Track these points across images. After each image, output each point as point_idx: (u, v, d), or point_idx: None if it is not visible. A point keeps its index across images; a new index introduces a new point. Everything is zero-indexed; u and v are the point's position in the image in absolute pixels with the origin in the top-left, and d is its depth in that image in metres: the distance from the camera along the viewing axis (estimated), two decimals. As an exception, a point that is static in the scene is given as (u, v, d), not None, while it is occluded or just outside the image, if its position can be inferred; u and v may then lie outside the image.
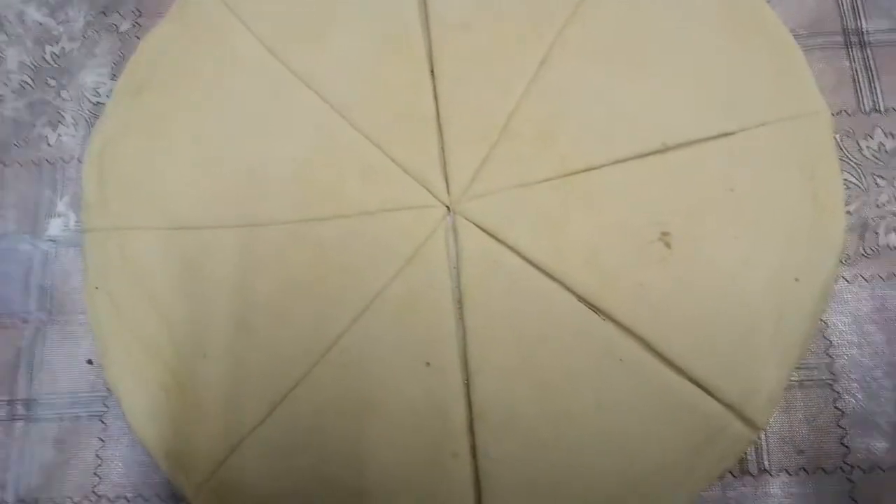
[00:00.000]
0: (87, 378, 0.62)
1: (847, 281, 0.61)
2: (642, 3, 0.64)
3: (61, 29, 0.73)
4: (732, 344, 0.55)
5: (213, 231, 0.61)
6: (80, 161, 0.68)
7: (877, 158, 0.64)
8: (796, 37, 0.63)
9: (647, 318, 0.56)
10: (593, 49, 0.63)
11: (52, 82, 0.71)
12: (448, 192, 0.61)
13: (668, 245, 0.57)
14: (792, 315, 0.56)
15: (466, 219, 0.60)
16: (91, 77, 0.71)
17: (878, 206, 0.62)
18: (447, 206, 0.61)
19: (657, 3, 0.64)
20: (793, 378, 0.58)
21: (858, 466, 0.57)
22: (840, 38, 0.67)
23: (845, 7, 0.68)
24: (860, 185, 0.63)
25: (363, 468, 0.54)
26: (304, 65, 0.65)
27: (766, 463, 0.57)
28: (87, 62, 0.72)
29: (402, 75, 0.64)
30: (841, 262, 0.60)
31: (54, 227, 0.67)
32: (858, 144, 0.64)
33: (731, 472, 0.57)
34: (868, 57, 0.66)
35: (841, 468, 0.57)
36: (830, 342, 0.59)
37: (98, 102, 0.70)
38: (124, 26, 0.72)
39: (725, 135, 0.60)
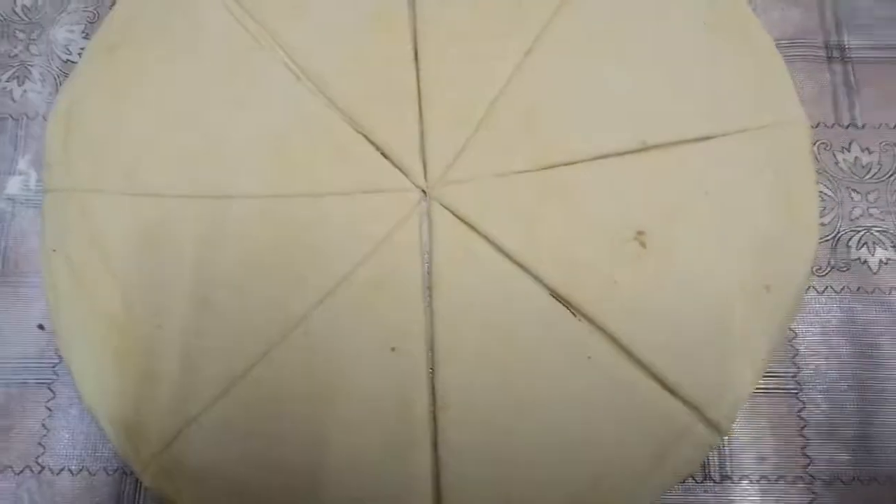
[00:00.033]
0: (37, 344, 0.61)
1: (817, 292, 0.61)
2: (631, 1, 0.64)
3: (33, -19, 0.71)
4: (701, 347, 0.55)
5: (178, 200, 0.59)
6: (44, 119, 0.66)
7: (852, 172, 0.64)
8: (779, 47, 0.64)
9: (618, 315, 0.55)
10: (578, 43, 0.63)
11: (22, 35, 0.69)
12: (425, 176, 0.61)
13: (643, 245, 0.57)
14: (761, 322, 0.56)
15: (442, 205, 0.59)
16: (62, 33, 0.69)
17: (851, 219, 0.63)
18: (423, 191, 0.60)
19: (646, 1, 0.64)
20: (758, 385, 0.58)
21: (820, 477, 0.57)
22: (822, 52, 0.68)
23: (828, 22, 0.69)
24: (835, 197, 0.63)
25: (320, 455, 0.53)
26: (283, 35, 0.63)
27: (728, 469, 0.57)
28: (58, 18, 0.70)
29: (384, 53, 0.63)
30: (812, 272, 0.60)
31: (14, 186, 0.65)
32: (835, 157, 0.65)
33: (693, 478, 0.57)
34: (849, 71, 0.67)
35: (802, 478, 0.57)
36: (797, 351, 0.60)
37: (68, 60, 0.68)
38: (99, -18, 0.71)
39: (705, 138, 0.60)
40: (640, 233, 0.57)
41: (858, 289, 0.61)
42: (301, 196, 0.59)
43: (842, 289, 0.61)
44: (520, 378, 0.55)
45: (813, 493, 0.56)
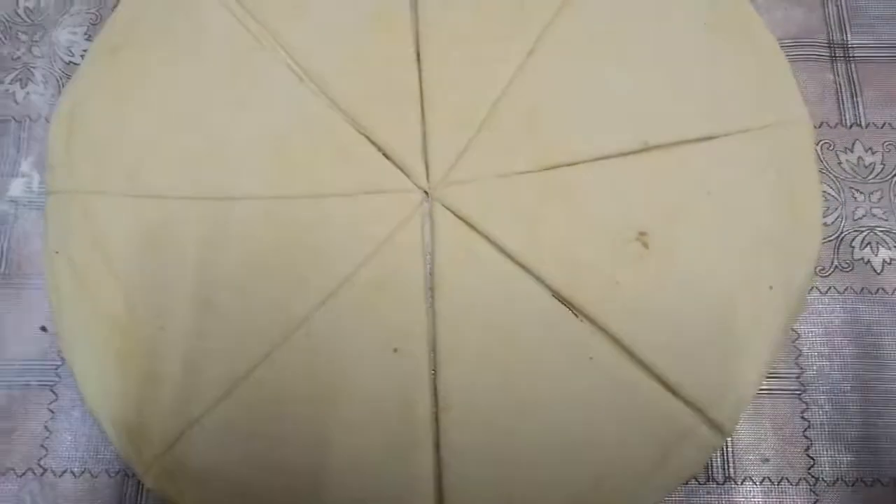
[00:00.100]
0: (39, 345, 0.61)
1: (821, 292, 0.61)
2: (633, 1, 0.64)
3: (35, -17, 0.71)
4: (703, 348, 0.55)
5: (180, 201, 0.59)
6: (47, 121, 0.66)
7: (855, 172, 0.64)
8: (782, 47, 0.64)
9: (620, 316, 0.55)
10: (580, 44, 0.63)
11: (24, 37, 0.69)
12: (427, 177, 0.60)
13: (645, 245, 0.57)
14: (764, 323, 0.56)
15: (444, 206, 0.59)
16: (65, 35, 0.69)
17: (854, 219, 0.63)
18: (425, 192, 0.60)
19: (647, 2, 0.64)
20: (761, 386, 0.58)
21: (823, 479, 0.57)
22: (825, 51, 0.67)
23: (832, 21, 0.69)
24: (838, 197, 0.63)
25: (322, 456, 0.53)
26: (285, 35, 0.63)
27: (731, 470, 0.57)
28: (61, 20, 0.70)
29: (385, 53, 0.63)
30: (816, 273, 0.60)
31: (16, 188, 0.65)
32: (838, 157, 0.64)
33: (696, 479, 0.57)
34: (852, 71, 0.67)
35: (805, 479, 0.57)
36: (801, 352, 0.59)
37: (70, 62, 0.68)
38: (101, -16, 0.71)
39: (707, 138, 0.60)
40: (642, 233, 0.57)
41: (862, 289, 0.61)
42: (303, 197, 0.59)
43: (845, 289, 0.61)
44: (522, 379, 0.54)
45: (816, 494, 0.56)
